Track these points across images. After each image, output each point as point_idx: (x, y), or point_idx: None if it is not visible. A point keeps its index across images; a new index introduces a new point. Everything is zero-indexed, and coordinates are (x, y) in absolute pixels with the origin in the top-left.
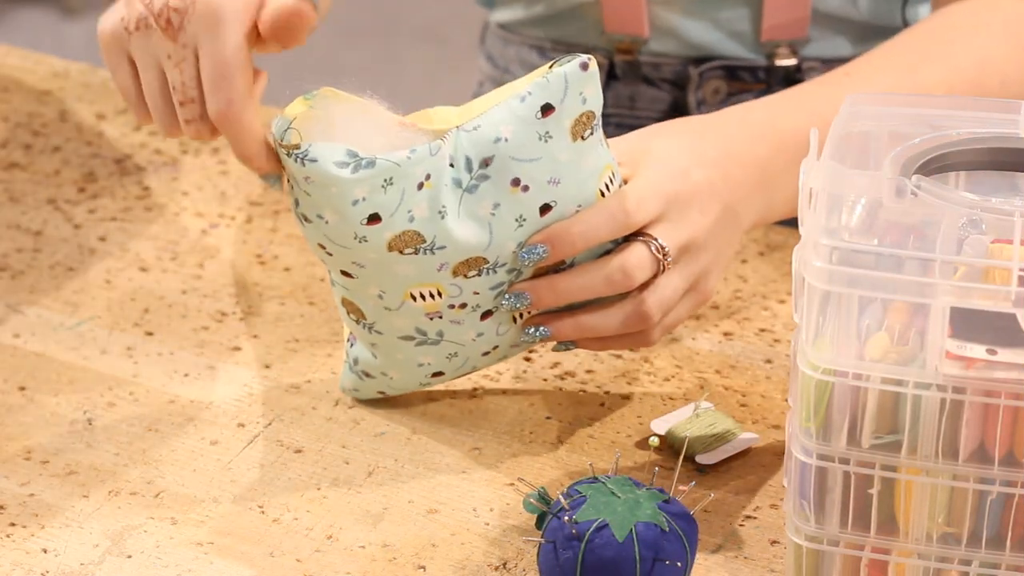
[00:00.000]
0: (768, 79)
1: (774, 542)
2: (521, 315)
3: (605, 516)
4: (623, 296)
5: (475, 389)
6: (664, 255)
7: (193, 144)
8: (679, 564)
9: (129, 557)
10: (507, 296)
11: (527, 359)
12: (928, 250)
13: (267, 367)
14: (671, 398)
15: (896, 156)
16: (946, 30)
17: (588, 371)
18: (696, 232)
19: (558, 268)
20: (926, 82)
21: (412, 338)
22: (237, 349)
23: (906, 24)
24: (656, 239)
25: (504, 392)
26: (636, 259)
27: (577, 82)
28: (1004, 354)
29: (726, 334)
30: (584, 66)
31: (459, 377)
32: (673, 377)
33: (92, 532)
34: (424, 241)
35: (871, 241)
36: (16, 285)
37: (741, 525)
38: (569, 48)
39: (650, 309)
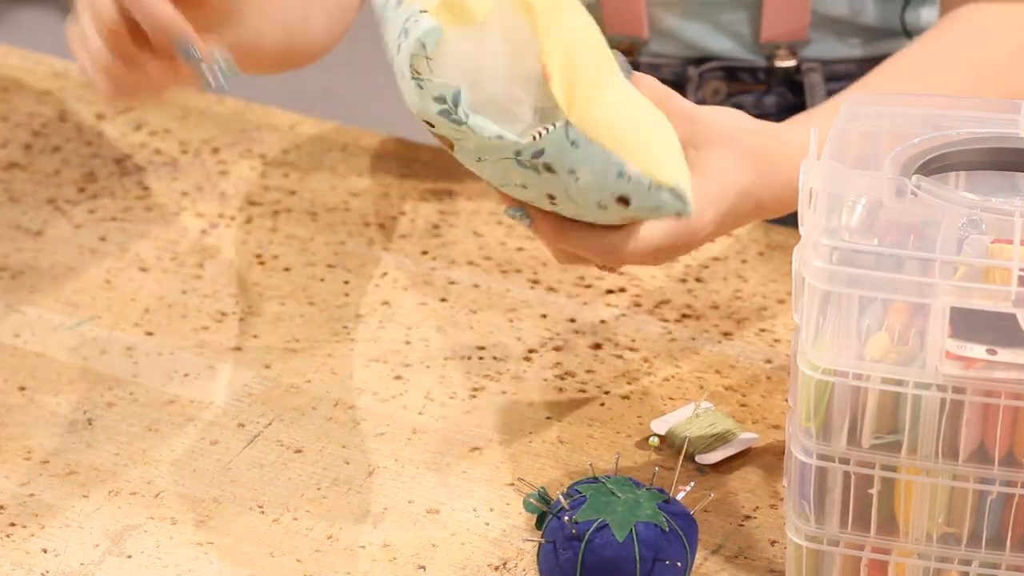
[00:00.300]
0: (768, 80)
1: (774, 542)
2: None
3: (605, 516)
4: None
5: (475, 389)
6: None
7: (193, 144)
8: (679, 564)
9: (129, 557)
10: (516, 211)
11: (527, 359)
12: (928, 250)
13: (267, 367)
14: (671, 398)
15: (896, 156)
16: (946, 45)
17: (588, 371)
18: (674, 258)
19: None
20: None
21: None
22: (237, 349)
23: (904, 27)
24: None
25: (504, 392)
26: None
27: (668, 209)
28: (1004, 354)
29: (726, 334)
30: (681, 208)
31: None
32: (673, 377)
33: (92, 532)
34: (452, 147)
35: (871, 241)
36: (16, 285)
37: (741, 525)
38: None
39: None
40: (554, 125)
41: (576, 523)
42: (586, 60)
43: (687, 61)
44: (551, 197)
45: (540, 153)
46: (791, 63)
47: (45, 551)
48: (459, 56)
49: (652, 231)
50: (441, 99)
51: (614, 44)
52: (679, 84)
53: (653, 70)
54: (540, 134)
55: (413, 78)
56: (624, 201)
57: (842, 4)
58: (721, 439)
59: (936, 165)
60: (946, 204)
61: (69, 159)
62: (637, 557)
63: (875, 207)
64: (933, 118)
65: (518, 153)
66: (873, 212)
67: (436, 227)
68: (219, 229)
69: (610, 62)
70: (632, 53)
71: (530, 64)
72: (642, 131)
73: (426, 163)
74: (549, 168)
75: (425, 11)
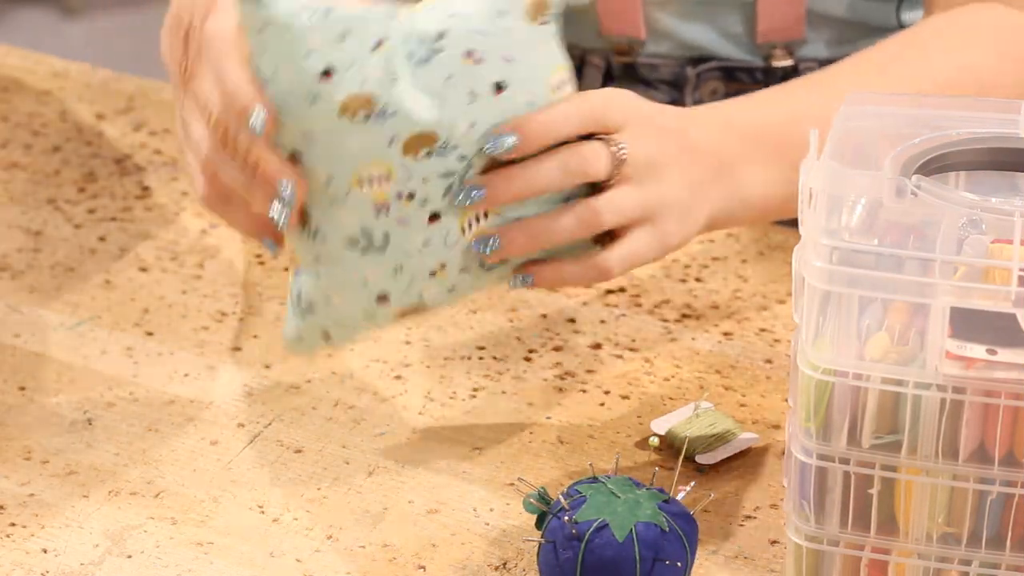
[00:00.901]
0: (766, 80)
1: (774, 542)
2: (471, 225)
3: (605, 516)
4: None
5: (475, 389)
6: (622, 159)
7: None
8: (679, 564)
9: (129, 557)
10: (459, 191)
11: (527, 359)
12: (928, 250)
13: (267, 367)
14: (671, 398)
15: (896, 156)
16: (929, 36)
17: (588, 371)
18: (662, 155)
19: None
20: (893, 83)
21: (356, 242)
22: (237, 349)
23: (901, 25)
24: (619, 143)
25: (504, 392)
26: (592, 151)
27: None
28: (1004, 354)
29: (726, 334)
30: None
31: (408, 311)
32: (673, 377)
33: (92, 532)
34: (375, 105)
35: (871, 241)
36: (16, 285)
37: (741, 525)
38: (567, 49)
39: (602, 209)
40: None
41: (576, 523)
42: None
43: (684, 61)
44: (471, 54)
45: (423, 36)
46: (788, 63)
47: (45, 551)
48: None
49: (614, 91)
50: (299, 7)
51: (612, 45)
52: (677, 84)
53: (651, 70)
54: (402, 12)
55: (261, 7)
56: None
57: (838, 3)
58: (721, 439)
59: (936, 165)
60: (946, 204)
61: (69, 159)
62: (637, 557)
63: (875, 207)
64: (933, 118)
65: (411, 55)
66: (873, 212)
67: None
68: (219, 229)
69: None
70: (630, 53)
71: None
72: None
73: None
74: (442, 35)
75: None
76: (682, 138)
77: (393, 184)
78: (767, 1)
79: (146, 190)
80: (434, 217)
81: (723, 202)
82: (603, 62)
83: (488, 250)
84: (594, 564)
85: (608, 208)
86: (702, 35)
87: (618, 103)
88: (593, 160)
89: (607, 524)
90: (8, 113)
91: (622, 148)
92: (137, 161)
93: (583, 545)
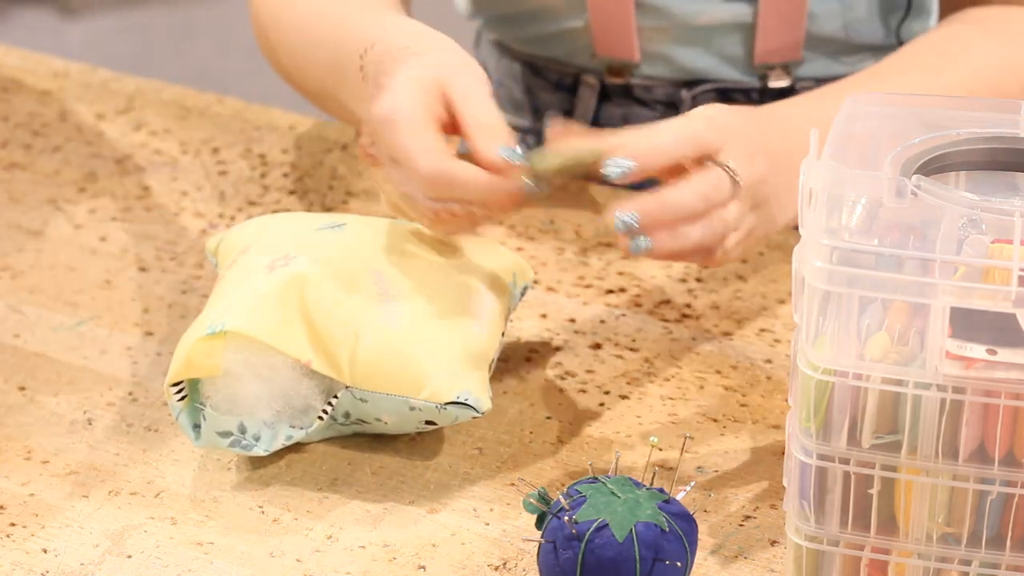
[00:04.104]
0: (762, 100)
1: (774, 542)
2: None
3: (605, 516)
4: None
5: None
6: (738, 183)
7: (193, 144)
8: (679, 564)
9: (129, 557)
10: (632, 241)
11: (527, 359)
12: (928, 250)
13: None
14: (671, 398)
15: (896, 156)
16: (966, 35)
17: (588, 371)
18: (760, 175)
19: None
20: (950, 83)
21: None
22: None
23: (901, 43)
24: (733, 168)
25: (504, 392)
26: (719, 178)
27: (464, 417)
28: (1004, 354)
29: (726, 334)
30: (475, 414)
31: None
32: (673, 377)
33: (92, 532)
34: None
35: (871, 241)
36: (16, 285)
37: (741, 525)
38: (561, 68)
39: (725, 229)
40: (336, 396)
41: (576, 523)
42: (338, 327)
43: (679, 84)
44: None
45: (347, 415)
46: (786, 83)
47: (45, 551)
48: (226, 398)
49: (708, 113)
50: (226, 433)
51: (606, 66)
52: (672, 105)
53: (645, 91)
54: (326, 411)
55: (193, 428)
56: (431, 423)
57: (836, 23)
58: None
59: (936, 165)
60: (946, 204)
61: (69, 159)
62: (637, 557)
63: (875, 207)
64: (933, 118)
65: (333, 421)
66: (873, 212)
67: None
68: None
69: (366, 307)
70: (624, 75)
71: (289, 369)
72: (412, 361)
73: None
74: (363, 421)
75: (177, 386)
76: (768, 152)
77: None
78: (767, 25)
79: (146, 190)
80: None
81: (793, 207)
82: (598, 82)
83: (640, 249)
84: (594, 564)
85: (729, 225)
86: (698, 59)
87: (717, 125)
88: (722, 187)
89: (607, 524)
90: (8, 113)
91: (737, 173)
92: (137, 161)
93: (583, 545)
